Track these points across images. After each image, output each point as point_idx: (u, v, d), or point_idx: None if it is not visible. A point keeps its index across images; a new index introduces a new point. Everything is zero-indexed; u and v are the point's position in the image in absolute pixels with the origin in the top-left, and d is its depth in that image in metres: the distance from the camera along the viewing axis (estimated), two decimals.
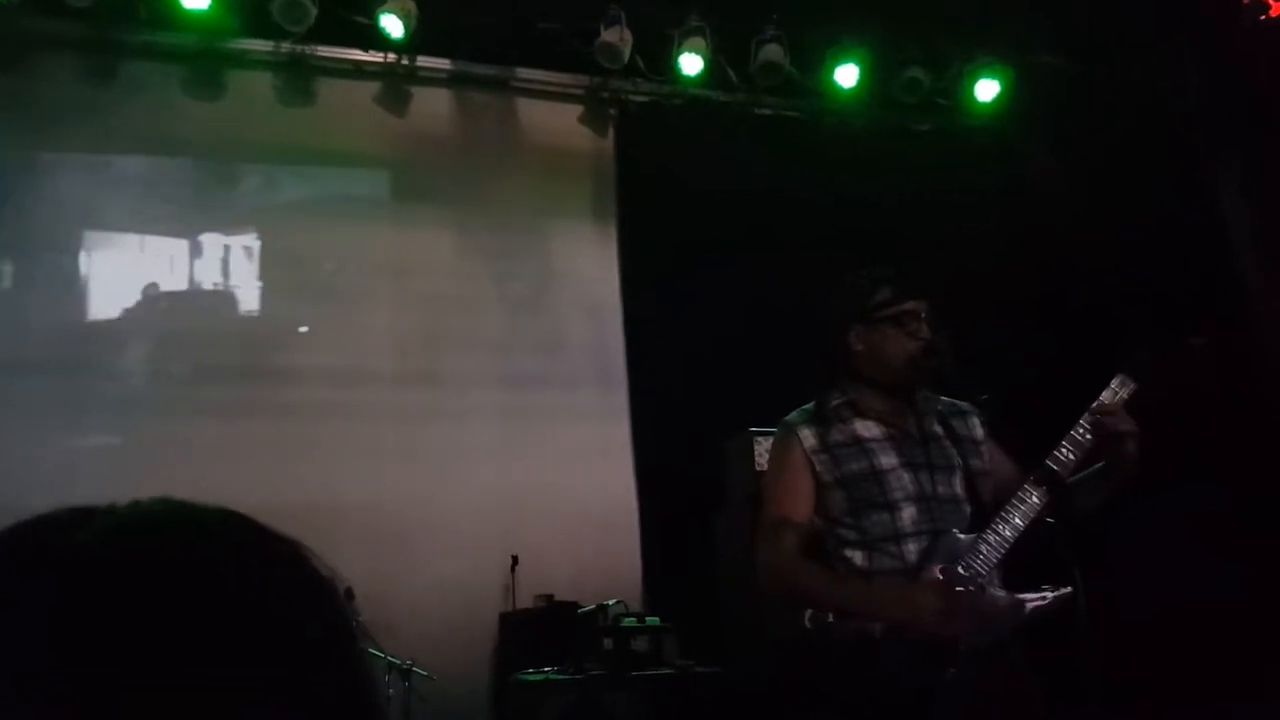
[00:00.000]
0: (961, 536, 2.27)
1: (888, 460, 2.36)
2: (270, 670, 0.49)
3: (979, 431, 2.48)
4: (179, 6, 4.42)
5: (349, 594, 0.58)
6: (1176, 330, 2.29)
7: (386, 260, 4.93)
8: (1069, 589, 2.17)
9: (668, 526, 4.64)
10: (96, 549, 0.49)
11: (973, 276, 4.32)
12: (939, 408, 2.47)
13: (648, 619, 4.03)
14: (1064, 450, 2.24)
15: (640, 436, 4.87)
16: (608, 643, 3.90)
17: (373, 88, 4.95)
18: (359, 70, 4.90)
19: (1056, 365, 3.96)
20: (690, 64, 4.90)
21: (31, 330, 4.34)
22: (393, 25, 4.56)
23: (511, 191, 5.06)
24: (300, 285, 4.83)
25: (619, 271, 5.09)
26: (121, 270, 4.58)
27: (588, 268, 5.13)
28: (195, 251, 4.73)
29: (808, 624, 2.94)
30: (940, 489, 2.35)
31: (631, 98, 5.19)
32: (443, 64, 5.00)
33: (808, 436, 2.41)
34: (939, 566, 2.23)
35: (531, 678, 3.86)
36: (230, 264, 4.76)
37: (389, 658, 3.54)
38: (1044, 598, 2.20)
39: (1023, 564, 2.26)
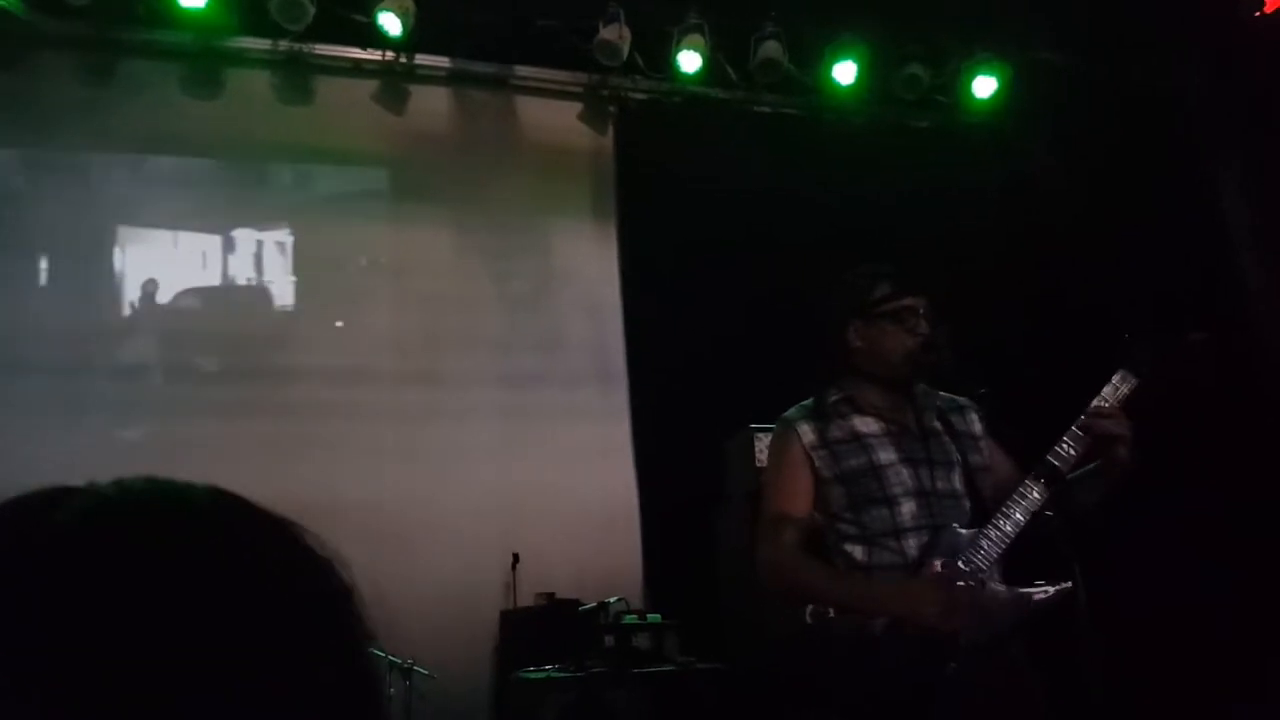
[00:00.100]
0: (962, 531, 2.27)
1: (887, 455, 2.36)
2: (262, 650, 0.47)
3: (977, 427, 2.48)
4: (177, 5, 4.42)
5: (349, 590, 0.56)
6: (1176, 326, 2.29)
7: (385, 259, 4.93)
8: (1069, 583, 2.17)
9: (668, 524, 4.64)
10: (75, 528, 0.48)
11: (971, 273, 4.32)
12: (938, 403, 2.48)
13: (649, 616, 4.03)
14: (1064, 446, 2.24)
15: (640, 434, 4.87)
16: (609, 640, 3.91)
17: (371, 86, 4.94)
18: (357, 68, 4.90)
19: (1055, 362, 3.97)
20: (689, 61, 4.90)
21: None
22: (391, 23, 4.56)
23: (510, 190, 5.06)
24: (300, 285, 4.83)
25: (618, 269, 5.09)
26: (127, 267, 4.58)
27: (587, 266, 5.13)
28: (196, 249, 4.73)
29: (808, 620, 2.94)
30: (939, 484, 2.35)
31: (630, 95, 5.19)
32: (441, 62, 4.99)
33: (807, 432, 2.42)
34: (939, 561, 2.24)
35: (533, 675, 3.86)
36: (229, 264, 4.75)
37: (390, 656, 3.54)
38: (1044, 592, 2.21)
39: (1023, 559, 2.26)
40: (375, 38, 4.67)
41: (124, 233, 4.65)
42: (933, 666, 2.11)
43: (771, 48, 4.91)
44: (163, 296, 4.63)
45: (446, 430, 4.68)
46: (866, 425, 2.41)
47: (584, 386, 4.95)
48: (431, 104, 5.04)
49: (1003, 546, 2.22)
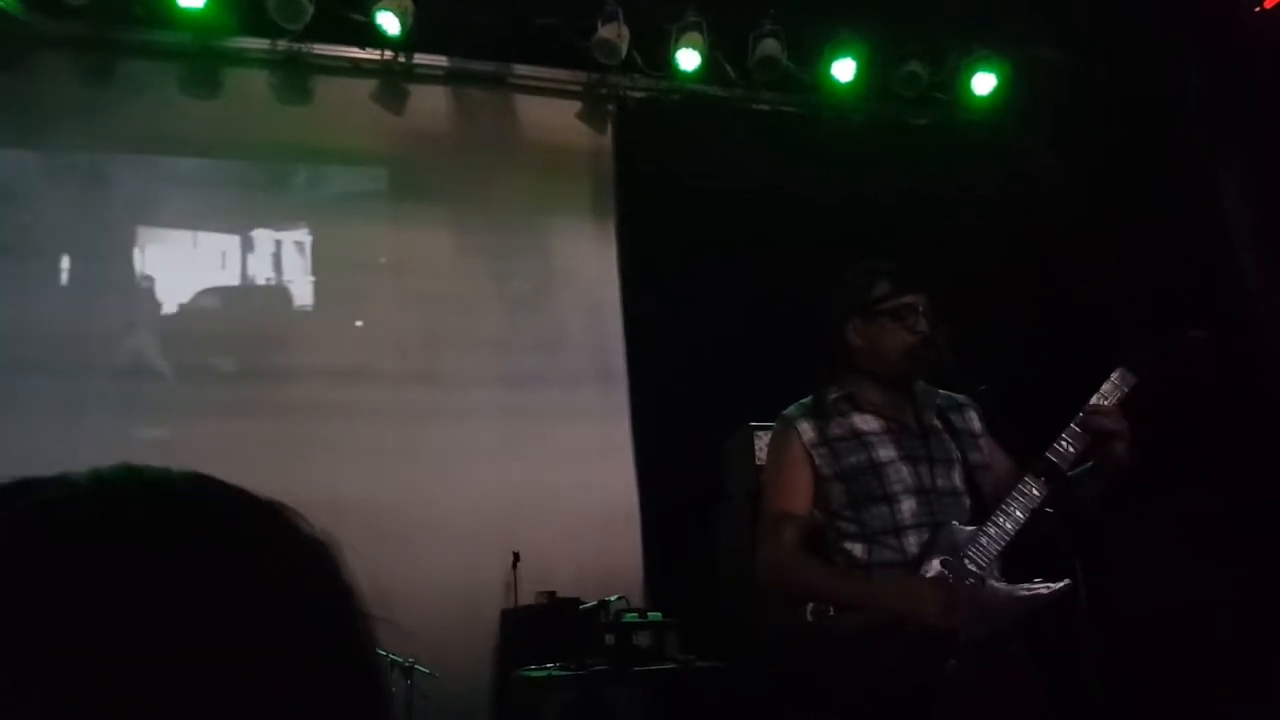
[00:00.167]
0: (962, 529, 2.27)
1: (886, 453, 2.36)
2: (250, 644, 0.44)
3: (976, 425, 2.49)
4: (175, 5, 4.42)
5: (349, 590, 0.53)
6: (1176, 325, 2.29)
7: (385, 259, 4.93)
8: (1068, 581, 2.18)
9: (669, 522, 4.64)
10: (39, 516, 0.45)
11: (971, 270, 4.32)
12: (937, 401, 2.48)
13: (649, 614, 4.03)
14: (1063, 443, 2.25)
15: (640, 433, 4.87)
16: (609, 638, 3.91)
17: (370, 85, 4.94)
18: (356, 68, 4.89)
19: (1055, 360, 3.97)
20: (687, 59, 4.90)
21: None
22: (389, 22, 4.56)
23: (510, 189, 5.06)
24: (301, 285, 4.83)
25: (618, 268, 5.09)
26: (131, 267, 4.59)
27: (587, 264, 5.13)
28: (194, 247, 4.73)
29: (809, 618, 2.94)
30: (939, 481, 2.36)
31: (629, 94, 5.19)
32: (440, 61, 4.99)
33: (806, 430, 2.42)
34: (939, 558, 2.24)
35: (533, 674, 3.86)
36: (227, 263, 4.75)
37: (391, 656, 3.55)
38: (1044, 590, 2.21)
39: (1023, 556, 2.27)
40: (374, 37, 4.67)
41: (122, 234, 4.65)
42: (933, 665, 2.11)
43: (770, 45, 4.91)
44: (169, 296, 4.63)
45: (447, 430, 4.68)
46: (866, 423, 2.41)
47: (584, 386, 4.95)
48: (430, 103, 5.04)
49: (1003, 544, 2.22)
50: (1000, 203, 4.94)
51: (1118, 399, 2.25)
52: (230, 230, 4.77)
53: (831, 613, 2.46)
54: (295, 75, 4.84)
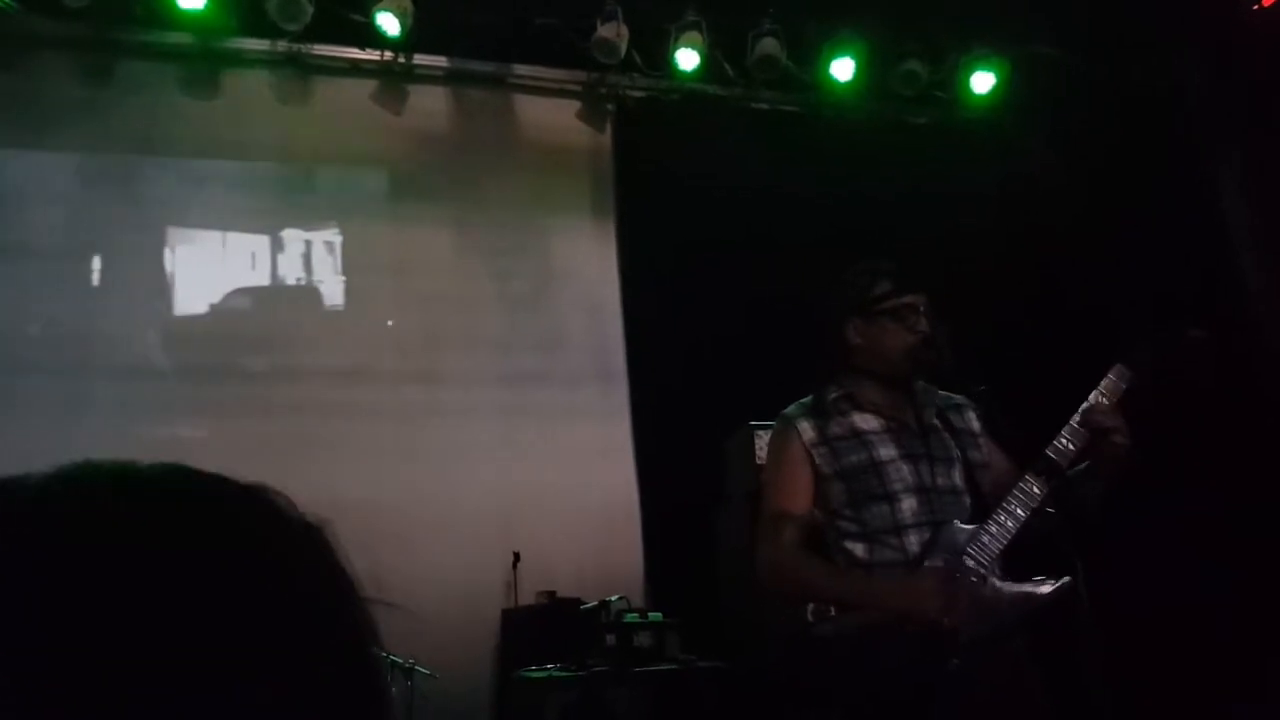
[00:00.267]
0: (963, 527, 2.27)
1: (887, 452, 2.36)
2: (237, 637, 0.43)
3: (975, 424, 2.49)
4: (175, 6, 4.42)
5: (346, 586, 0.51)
6: (1176, 323, 2.29)
7: (385, 259, 4.93)
8: (1068, 579, 2.18)
9: (669, 522, 4.64)
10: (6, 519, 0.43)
11: (970, 270, 4.32)
12: (936, 401, 2.48)
13: (650, 615, 4.03)
14: (1063, 441, 2.25)
15: (641, 433, 4.87)
16: (610, 639, 3.90)
17: (370, 86, 4.94)
18: (356, 68, 4.89)
19: (1054, 360, 3.96)
20: (687, 59, 4.90)
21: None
22: (389, 23, 4.56)
23: (509, 188, 5.06)
24: (299, 283, 4.83)
25: (618, 267, 5.09)
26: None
27: (586, 264, 5.13)
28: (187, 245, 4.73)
29: (809, 618, 2.94)
30: (940, 480, 2.36)
31: (629, 93, 5.18)
32: (439, 61, 4.99)
33: (806, 430, 2.42)
34: (941, 557, 2.24)
35: (534, 674, 3.86)
36: (225, 261, 4.75)
37: (391, 656, 3.54)
38: (1045, 589, 2.21)
39: (1024, 555, 2.27)
40: (373, 38, 4.67)
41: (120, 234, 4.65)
42: (934, 664, 2.11)
43: (769, 44, 4.91)
44: (158, 294, 4.63)
45: (447, 429, 4.68)
46: (866, 422, 2.41)
47: (584, 385, 4.95)
48: (430, 103, 5.04)
49: (1004, 542, 2.22)
50: (1000, 202, 4.94)
51: (1117, 396, 2.25)
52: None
53: (832, 612, 2.47)
54: (295, 76, 4.84)
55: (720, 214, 4.76)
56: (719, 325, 4.62)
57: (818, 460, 2.39)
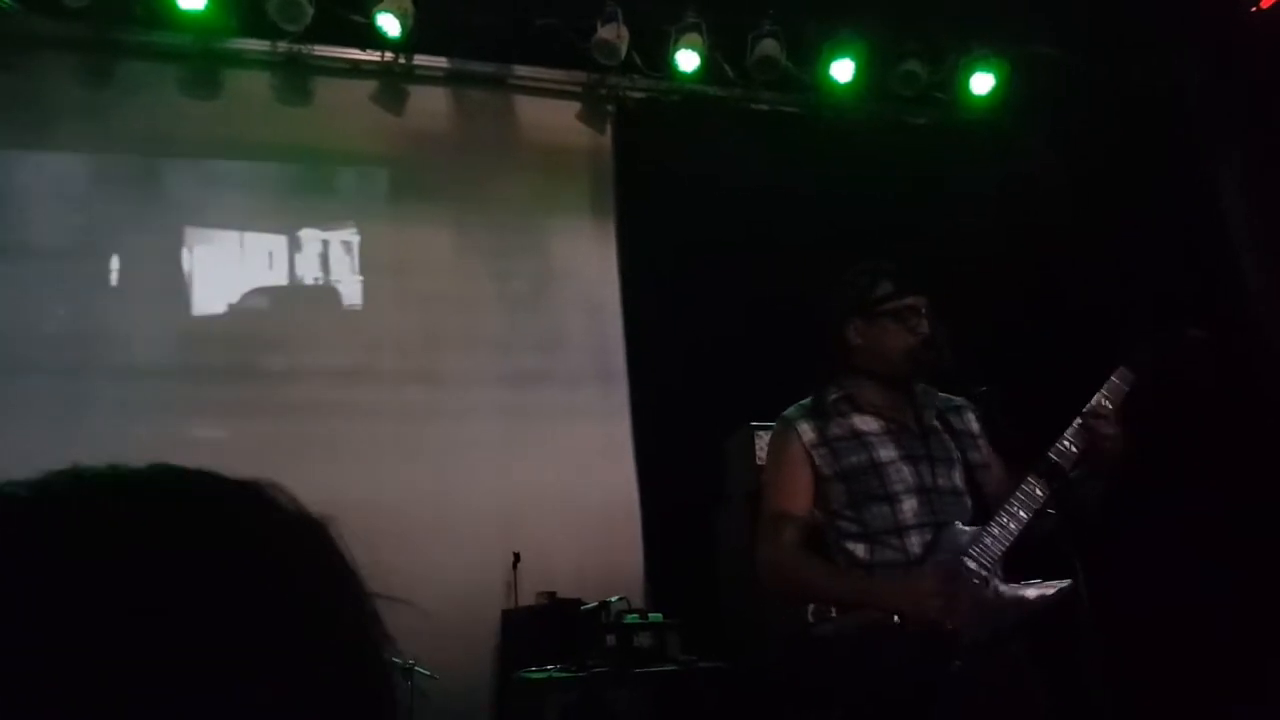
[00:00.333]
0: (964, 529, 2.27)
1: (887, 453, 2.36)
2: (233, 637, 0.42)
3: (975, 426, 2.49)
4: (175, 7, 4.42)
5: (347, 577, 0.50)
6: (1175, 323, 2.30)
7: (385, 259, 4.93)
8: (1069, 581, 2.18)
9: (669, 522, 4.64)
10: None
11: (970, 271, 4.32)
12: (937, 403, 2.48)
13: (650, 615, 4.03)
14: (1065, 443, 2.25)
15: (641, 433, 4.87)
16: (610, 639, 3.90)
17: (370, 86, 4.94)
18: (356, 69, 4.89)
19: (1055, 361, 3.96)
20: (687, 60, 4.90)
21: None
22: (389, 24, 4.56)
23: (510, 189, 5.06)
24: (301, 282, 4.83)
25: (618, 268, 5.09)
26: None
27: (587, 265, 5.13)
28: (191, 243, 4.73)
29: (810, 619, 2.94)
30: (940, 481, 2.36)
31: (629, 94, 5.19)
32: (440, 62, 4.99)
33: (806, 431, 2.42)
34: (942, 559, 2.24)
35: (534, 675, 3.86)
36: (227, 261, 4.76)
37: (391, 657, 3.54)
38: (1046, 591, 2.21)
39: (1024, 557, 2.27)
40: (374, 38, 4.67)
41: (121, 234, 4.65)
42: (934, 665, 2.11)
43: (769, 45, 4.91)
44: (159, 294, 4.63)
45: (447, 430, 4.68)
46: (866, 423, 2.41)
47: (584, 385, 4.95)
48: (430, 104, 5.04)
49: (1006, 544, 2.22)
50: (999, 202, 4.94)
51: (1120, 398, 2.25)
52: (237, 229, 4.76)
53: (833, 613, 2.46)
54: (295, 76, 4.84)
55: (720, 214, 4.76)
56: (719, 326, 4.62)
57: (818, 461, 2.39)
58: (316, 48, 4.74)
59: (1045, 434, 2.27)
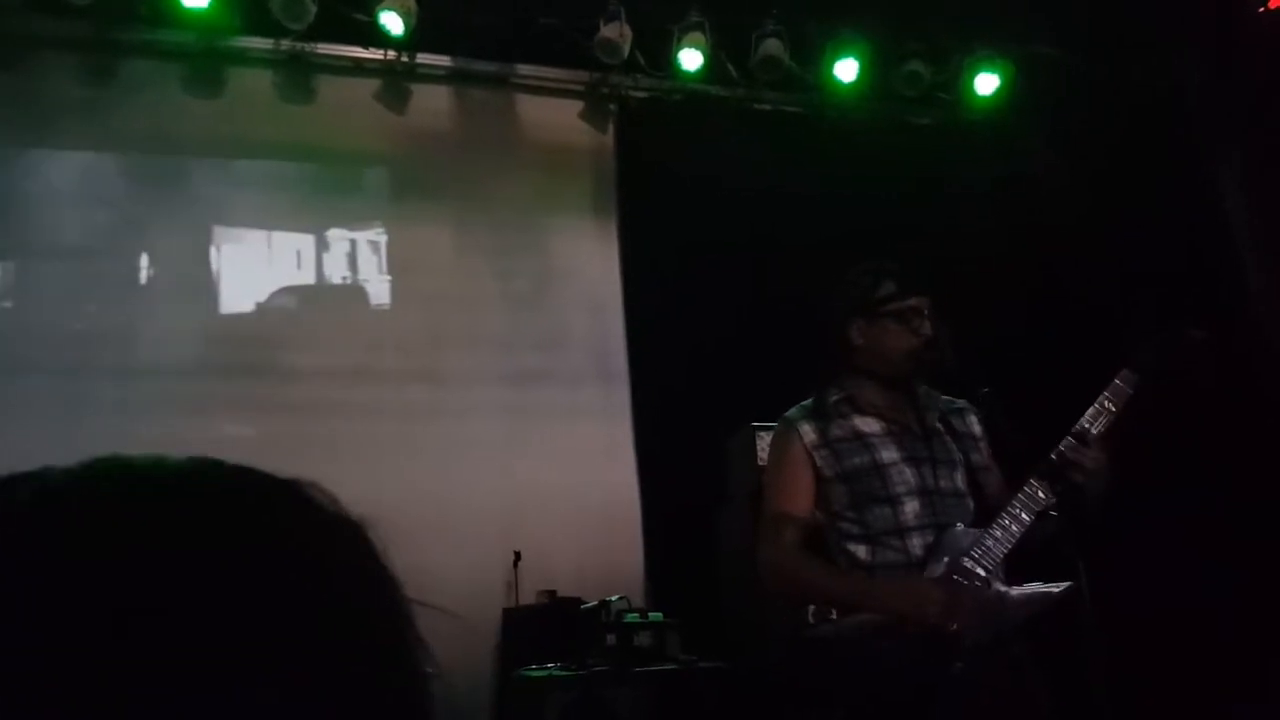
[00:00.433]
0: (966, 530, 2.27)
1: (889, 454, 2.36)
2: (265, 646, 0.40)
3: (977, 428, 2.49)
4: (179, 5, 4.42)
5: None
6: (1176, 324, 2.29)
7: (386, 257, 4.93)
8: (1071, 583, 2.17)
9: (670, 522, 4.64)
10: (26, 510, 0.41)
11: (973, 272, 4.32)
12: (939, 405, 2.48)
13: (651, 615, 4.03)
14: (1068, 444, 2.25)
15: (642, 432, 4.86)
16: (610, 639, 3.90)
17: (372, 85, 4.94)
18: (359, 67, 4.89)
19: (1057, 362, 3.96)
20: (690, 59, 4.89)
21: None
22: (392, 22, 4.56)
23: (512, 188, 5.06)
24: (301, 282, 4.83)
25: (619, 267, 5.09)
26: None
27: (588, 264, 5.13)
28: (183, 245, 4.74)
29: (811, 619, 2.94)
30: (943, 483, 2.36)
31: (631, 93, 5.18)
32: (442, 61, 4.99)
33: (808, 432, 2.42)
34: (944, 560, 2.24)
35: (534, 674, 3.86)
36: (224, 263, 4.76)
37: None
38: (1048, 592, 2.21)
39: (1027, 558, 2.27)
40: (377, 37, 4.67)
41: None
42: (935, 667, 2.11)
43: (772, 45, 4.90)
44: (160, 295, 4.64)
45: (448, 428, 4.68)
46: (868, 425, 2.41)
47: (585, 385, 4.95)
48: (433, 103, 5.04)
49: (1008, 546, 2.22)
50: (1002, 202, 4.94)
51: (1123, 400, 2.25)
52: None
53: (833, 614, 2.46)
54: (298, 75, 4.84)
55: (723, 214, 4.75)
56: (721, 325, 4.62)
57: (819, 462, 2.39)
58: (320, 46, 4.74)
59: (1048, 435, 2.27)
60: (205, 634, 0.40)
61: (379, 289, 4.90)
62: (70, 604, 0.39)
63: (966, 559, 2.21)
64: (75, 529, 0.41)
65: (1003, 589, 2.23)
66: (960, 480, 2.38)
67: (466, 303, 4.91)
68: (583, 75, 5.10)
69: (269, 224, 4.83)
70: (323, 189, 4.98)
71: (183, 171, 4.75)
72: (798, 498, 2.38)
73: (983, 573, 2.20)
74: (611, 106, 5.23)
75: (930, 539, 2.28)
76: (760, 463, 3.96)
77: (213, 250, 4.74)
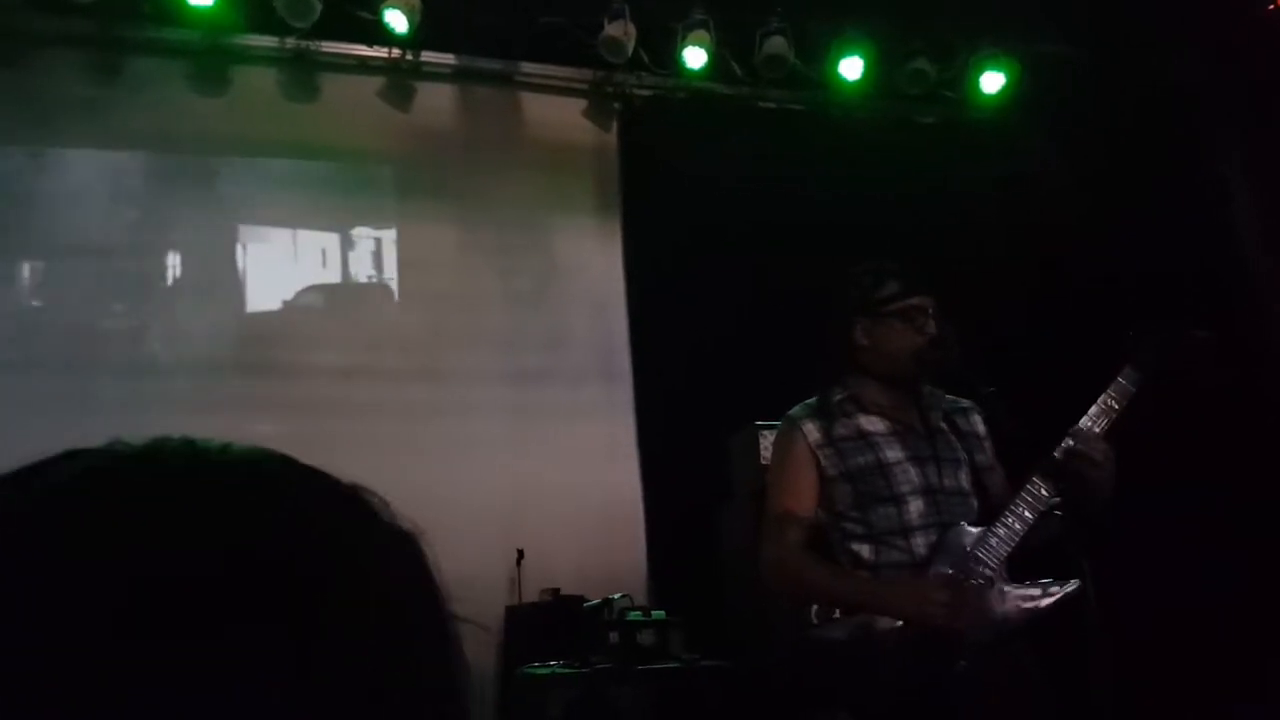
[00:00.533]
0: (970, 530, 2.27)
1: (893, 454, 2.36)
2: (310, 652, 0.39)
3: (981, 428, 2.49)
4: (183, 2, 4.43)
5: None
6: (1178, 323, 2.29)
7: (388, 256, 4.94)
8: (1075, 582, 2.17)
9: (673, 520, 4.64)
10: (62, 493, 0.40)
11: (978, 270, 4.31)
12: (943, 404, 2.48)
13: (653, 613, 4.03)
14: (1070, 442, 2.24)
15: (645, 431, 4.86)
16: (613, 636, 3.91)
17: (377, 83, 4.94)
18: (363, 65, 4.89)
19: (1062, 360, 3.96)
20: (694, 57, 4.89)
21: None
22: (397, 20, 4.56)
23: (515, 186, 5.06)
24: (301, 281, 4.84)
25: (623, 265, 5.09)
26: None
27: (592, 262, 5.13)
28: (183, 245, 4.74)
29: (814, 619, 2.94)
30: (947, 482, 2.36)
31: (635, 92, 5.18)
32: (447, 59, 4.99)
33: (812, 431, 2.42)
34: (948, 560, 2.23)
35: (537, 671, 3.87)
36: (228, 261, 4.77)
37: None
38: (1051, 592, 2.21)
39: (1031, 558, 2.26)
40: (381, 35, 4.67)
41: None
42: (939, 666, 2.11)
43: (777, 43, 4.90)
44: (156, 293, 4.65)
45: (450, 427, 4.68)
46: (872, 424, 2.41)
47: (589, 383, 4.95)
48: (437, 101, 5.04)
49: (1012, 545, 2.22)
50: (1008, 201, 4.93)
51: (1126, 399, 2.25)
52: (242, 225, 4.78)
53: (836, 614, 2.46)
54: (303, 73, 4.84)
55: (726, 212, 4.75)
56: (724, 324, 4.62)
57: (823, 461, 2.39)
58: (324, 44, 4.74)
59: (1052, 434, 2.26)
60: (198, 634, 0.39)
61: (382, 287, 4.91)
62: (48, 605, 0.38)
63: (970, 558, 2.21)
64: (47, 535, 0.40)
65: (1006, 588, 2.23)
66: (964, 479, 2.38)
67: (469, 301, 4.91)
68: (587, 73, 5.10)
69: (268, 223, 4.83)
70: (325, 187, 4.98)
71: (185, 170, 4.74)
72: (801, 497, 2.38)
73: (986, 572, 2.20)
74: (615, 105, 5.23)
75: (934, 538, 2.28)
76: (763, 462, 3.95)
77: (238, 248, 4.76)
